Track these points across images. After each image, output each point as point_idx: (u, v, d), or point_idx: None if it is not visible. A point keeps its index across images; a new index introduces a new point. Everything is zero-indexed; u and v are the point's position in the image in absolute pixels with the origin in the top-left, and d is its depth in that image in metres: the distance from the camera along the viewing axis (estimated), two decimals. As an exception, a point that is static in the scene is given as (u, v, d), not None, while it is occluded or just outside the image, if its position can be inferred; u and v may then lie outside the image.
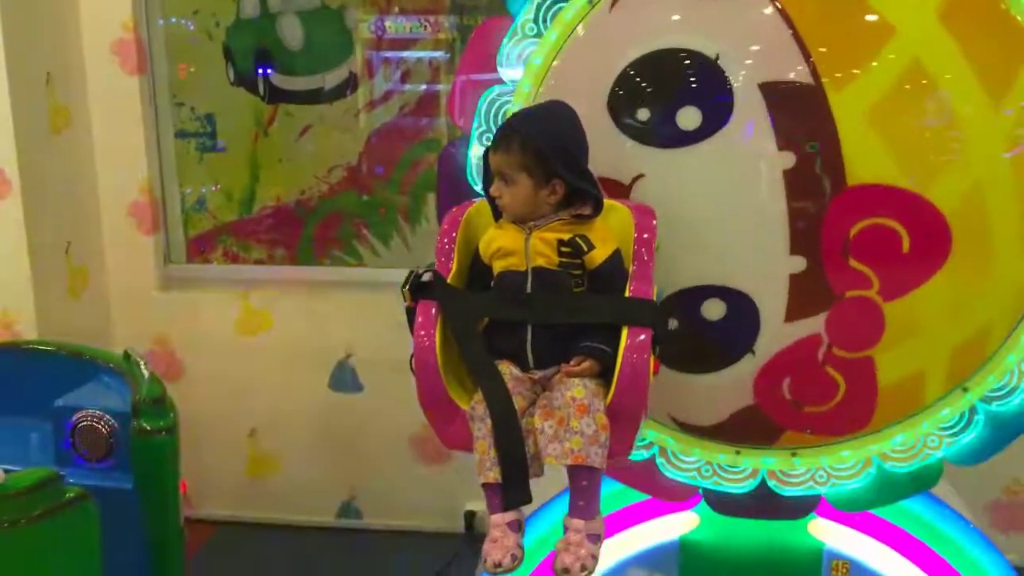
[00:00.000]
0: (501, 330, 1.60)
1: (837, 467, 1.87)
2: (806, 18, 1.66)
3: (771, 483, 1.90)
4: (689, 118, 1.69)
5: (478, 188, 1.79)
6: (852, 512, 1.93)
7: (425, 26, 3.29)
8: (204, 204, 3.44)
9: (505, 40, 1.78)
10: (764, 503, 1.92)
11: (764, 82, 1.66)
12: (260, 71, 3.30)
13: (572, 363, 1.53)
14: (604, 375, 1.54)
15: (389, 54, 3.29)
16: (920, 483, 1.87)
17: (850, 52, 1.66)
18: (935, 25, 1.64)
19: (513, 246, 1.58)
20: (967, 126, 1.66)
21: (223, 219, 3.44)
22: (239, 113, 3.33)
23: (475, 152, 1.82)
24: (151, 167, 3.28)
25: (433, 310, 1.58)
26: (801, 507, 1.93)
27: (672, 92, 1.71)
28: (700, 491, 1.96)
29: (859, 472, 1.87)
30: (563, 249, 1.56)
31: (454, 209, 1.73)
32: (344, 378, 3.29)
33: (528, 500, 1.55)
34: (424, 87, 3.29)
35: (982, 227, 1.68)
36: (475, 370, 1.56)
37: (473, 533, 3.27)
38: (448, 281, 1.62)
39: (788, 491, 1.90)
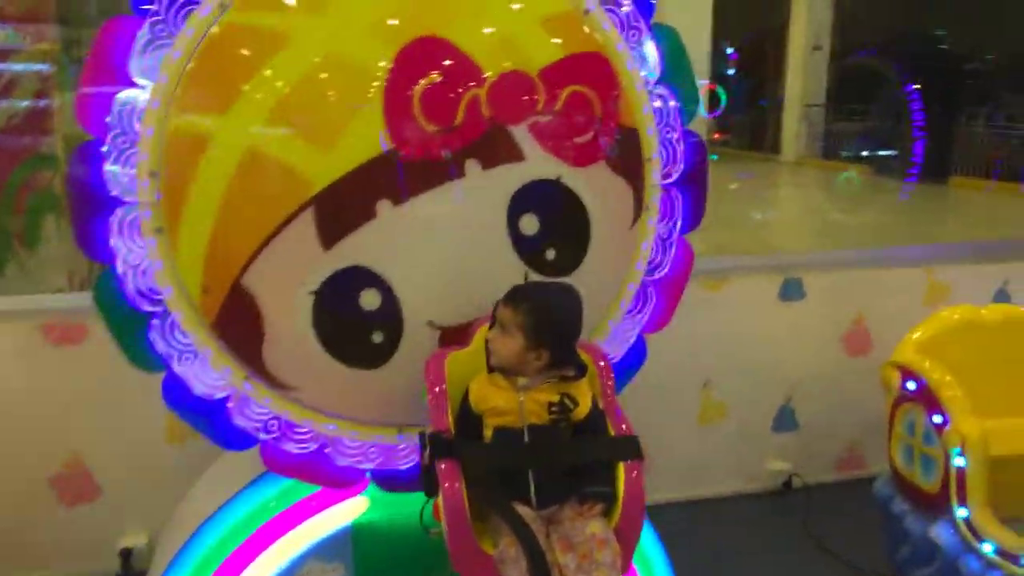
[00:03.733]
0: (506, 478, 1.75)
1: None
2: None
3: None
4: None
5: (115, 194, 1.75)
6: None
7: (25, 36, 3.04)
8: None
9: (138, 41, 1.75)
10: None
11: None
12: None
13: (585, 508, 1.75)
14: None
15: (-16, 66, 3.00)
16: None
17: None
18: None
19: (507, 407, 1.78)
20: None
21: None
22: None
23: (114, 166, 1.77)
24: None
25: (457, 470, 1.70)
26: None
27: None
28: (368, 474, 2.06)
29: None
30: (552, 409, 1.78)
31: (435, 359, 1.85)
32: (-36, 422, 2.92)
33: None
34: (26, 103, 3.03)
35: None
36: (503, 515, 1.69)
37: (131, 573, 3.08)
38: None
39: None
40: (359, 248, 1.82)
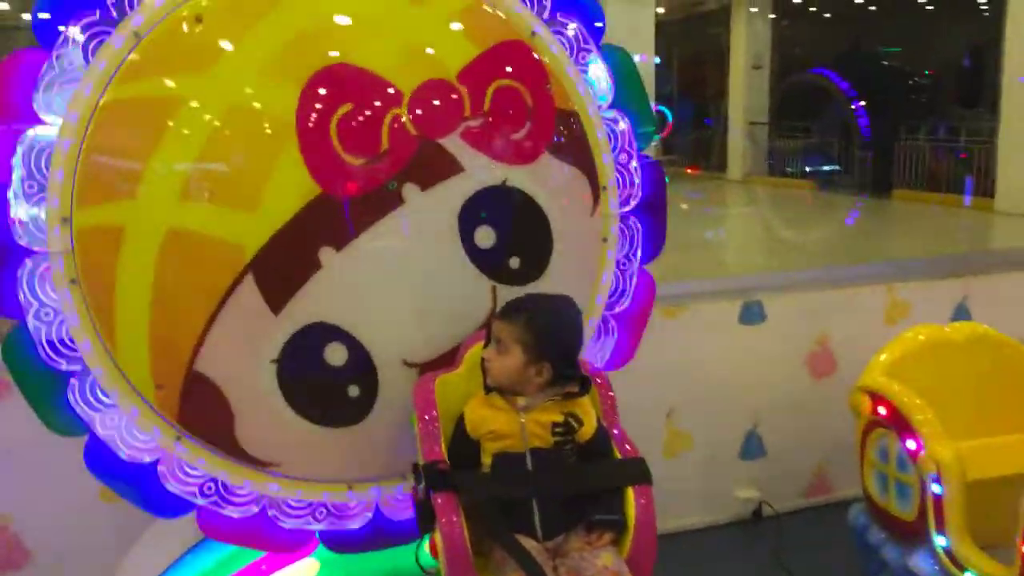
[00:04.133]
0: (508, 508, 1.65)
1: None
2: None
3: (385, 511, 1.91)
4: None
5: (23, 243, 1.58)
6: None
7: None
8: None
9: (43, 76, 1.59)
10: (379, 534, 1.92)
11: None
12: None
13: (594, 537, 1.65)
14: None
15: None
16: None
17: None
18: None
19: (508, 429, 1.67)
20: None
21: None
22: None
23: (21, 208, 1.60)
24: None
25: (454, 500, 1.59)
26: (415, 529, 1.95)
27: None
28: (316, 535, 1.90)
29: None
30: (556, 430, 1.67)
31: (423, 382, 1.72)
32: None
33: None
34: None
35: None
36: (509, 550, 1.57)
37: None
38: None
39: (402, 515, 1.92)
40: (311, 303, 1.70)
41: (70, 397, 1.68)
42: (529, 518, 1.66)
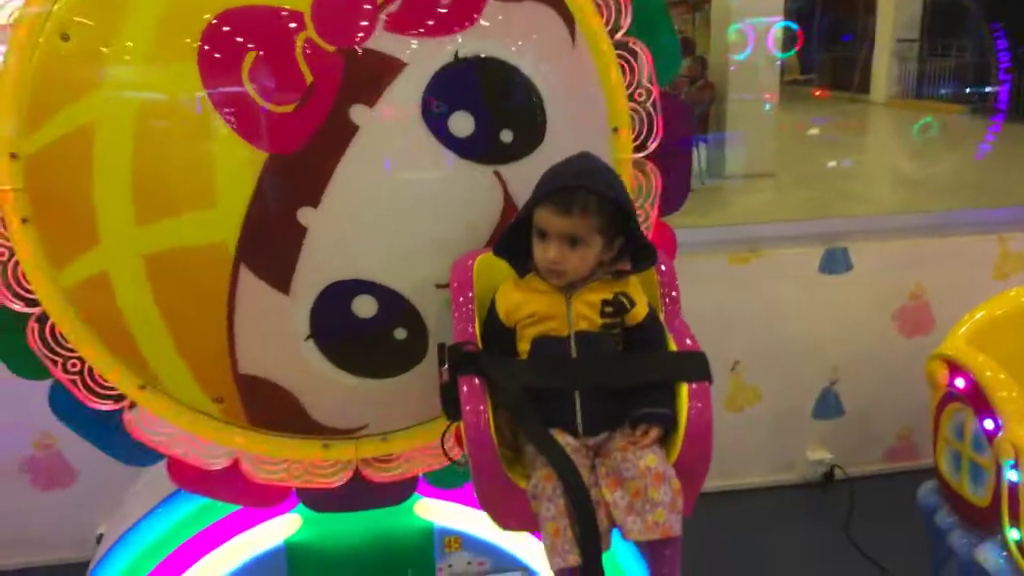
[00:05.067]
0: (544, 399, 1.45)
1: (432, 447, 1.80)
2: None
3: (366, 471, 1.79)
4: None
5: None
6: (451, 488, 1.88)
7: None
8: None
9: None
10: (360, 493, 1.81)
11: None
12: None
13: (639, 432, 1.43)
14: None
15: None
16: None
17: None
18: None
19: (551, 311, 1.47)
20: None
21: None
22: None
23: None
24: None
25: (481, 390, 1.41)
26: (400, 492, 1.84)
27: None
28: (295, 491, 1.81)
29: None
30: (606, 309, 1.47)
31: (460, 262, 1.55)
32: (-70, 406, 2.80)
33: None
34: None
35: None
36: (539, 444, 1.41)
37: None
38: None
39: (384, 477, 1.80)
40: (315, 269, 1.56)
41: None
42: (570, 411, 1.46)
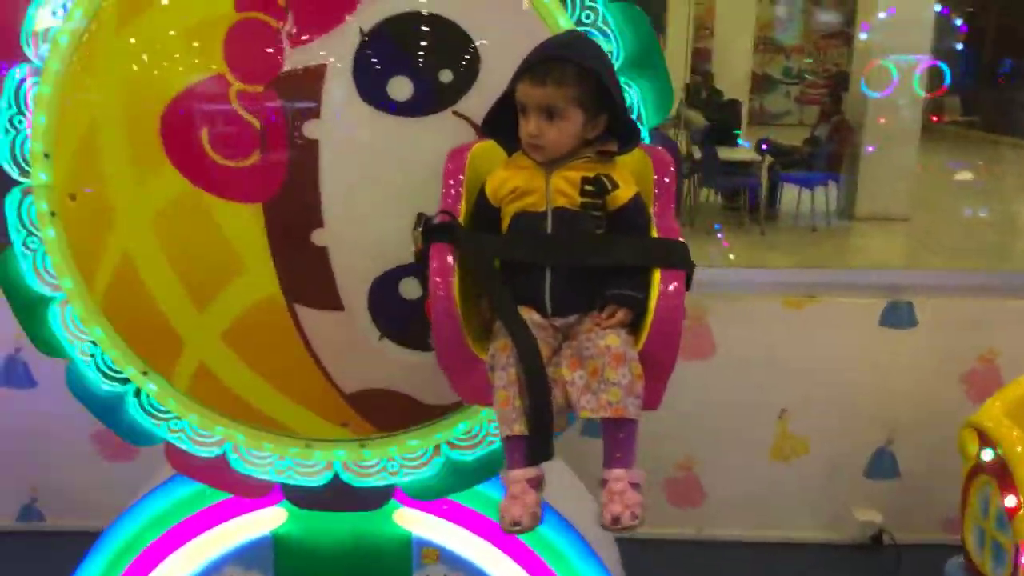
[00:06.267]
0: (516, 275, 1.47)
1: (407, 457, 1.87)
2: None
3: (346, 475, 1.88)
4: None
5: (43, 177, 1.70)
6: (426, 500, 1.93)
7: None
8: None
9: (28, 16, 1.67)
10: (341, 495, 1.90)
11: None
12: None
13: (604, 314, 1.43)
14: (633, 322, 1.44)
15: None
16: (486, 470, 1.88)
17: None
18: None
19: (530, 185, 1.46)
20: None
21: None
22: None
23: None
24: None
25: (449, 255, 1.45)
26: (377, 498, 1.92)
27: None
28: (280, 486, 1.92)
29: (428, 461, 1.87)
30: (586, 187, 1.44)
31: (457, 149, 1.56)
32: (16, 373, 3.10)
33: (551, 455, 1.42)
34: None
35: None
36: (501, 314, 1.42)
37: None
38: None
39: (362, 482, 1.89)
40: (352, 278, 1.68)
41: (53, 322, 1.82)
42: (539, 287, 1.45)
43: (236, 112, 1.59)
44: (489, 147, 1.56)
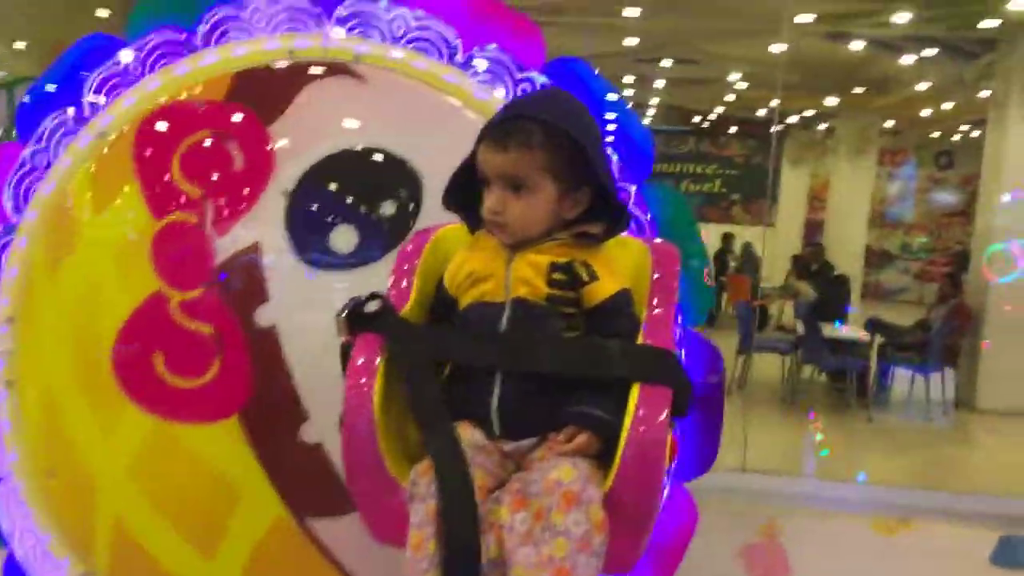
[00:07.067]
0: (462, 383, 1.19)
1: None
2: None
3: None
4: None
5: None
6: None
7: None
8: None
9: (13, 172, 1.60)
10: None
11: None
12: None
13: (561, 436, 1.13)
14: (602, 455, 1.12)
15: None
16: None
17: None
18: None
19: (488, 270, 1.20)
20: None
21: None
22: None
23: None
24: None
25: (375, 350, 1.18)
26: None
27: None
28: None
29: None
30: (554, 276, 1.17)
31: (422, 230, 1.37)
32: None
33: None
34: None
35: None
36: (421, 423, 1.14)
37: None
38: (401, 314, 1.22)
39: None
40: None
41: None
42: (486, 398, 1.13)
43: (182, 326, 1.47)
44: (456, 232, 1.30)
